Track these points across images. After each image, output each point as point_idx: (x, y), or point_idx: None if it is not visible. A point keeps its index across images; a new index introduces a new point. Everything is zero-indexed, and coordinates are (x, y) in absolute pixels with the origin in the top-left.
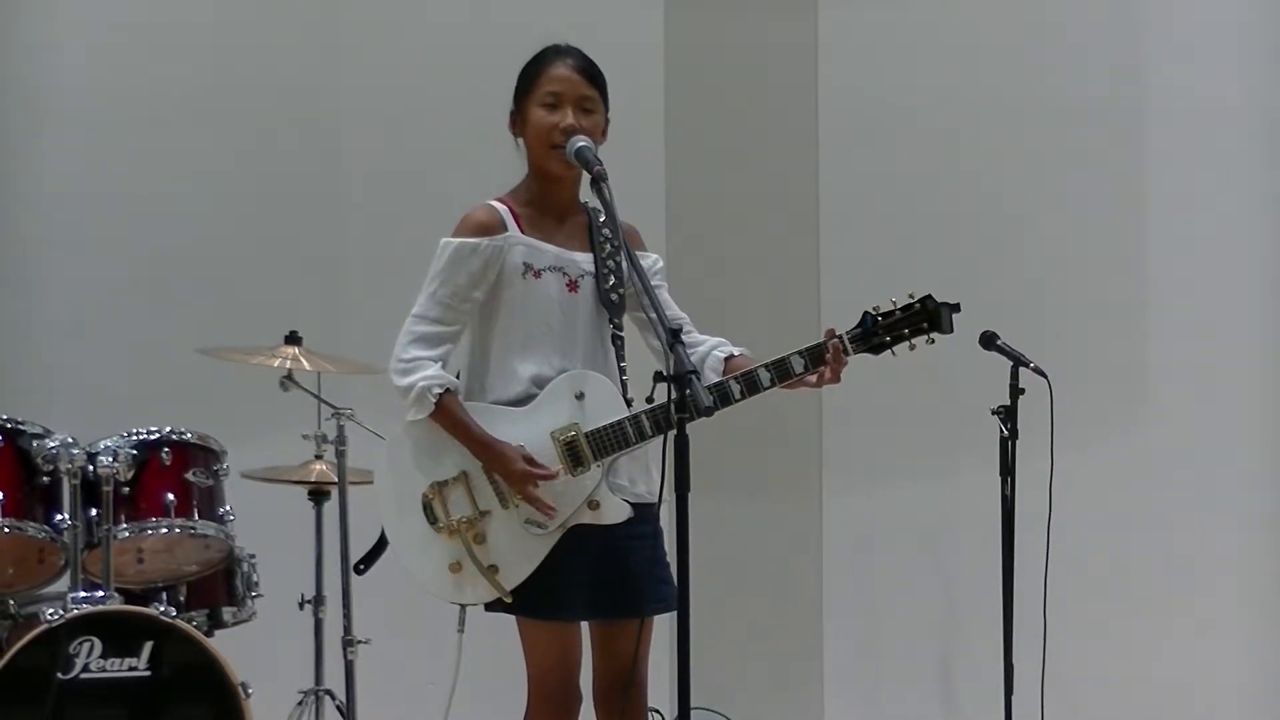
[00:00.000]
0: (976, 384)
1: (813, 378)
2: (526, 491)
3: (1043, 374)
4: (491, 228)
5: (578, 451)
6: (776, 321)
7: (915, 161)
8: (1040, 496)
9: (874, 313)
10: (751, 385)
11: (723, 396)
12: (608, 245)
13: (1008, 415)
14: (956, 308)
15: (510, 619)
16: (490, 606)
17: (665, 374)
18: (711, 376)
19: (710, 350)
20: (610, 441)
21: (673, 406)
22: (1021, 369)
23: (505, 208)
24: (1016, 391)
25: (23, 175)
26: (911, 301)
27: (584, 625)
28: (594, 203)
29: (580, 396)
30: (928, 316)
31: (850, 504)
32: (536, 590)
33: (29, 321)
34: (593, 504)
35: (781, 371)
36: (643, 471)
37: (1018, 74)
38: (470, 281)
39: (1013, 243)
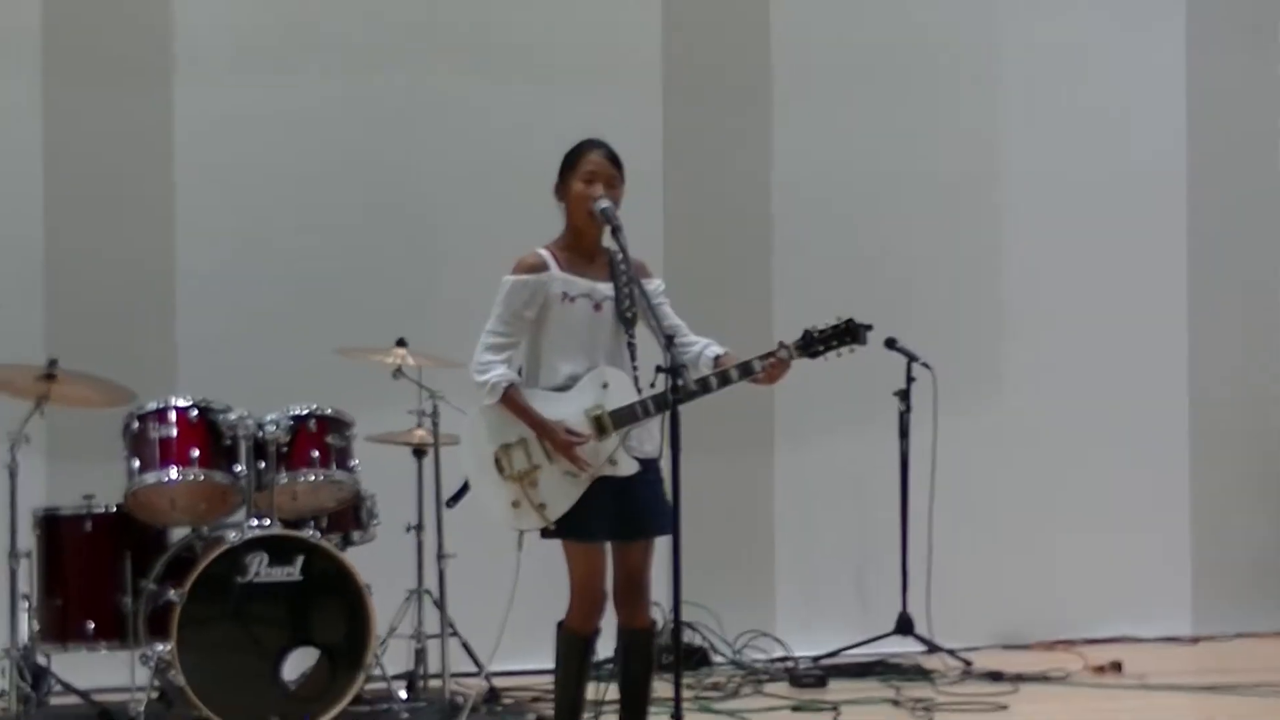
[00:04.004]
0: (883, 373)
1: (762, 376)
2: (570, 453)
3: (928, 367)
4: (538, 267)
5: (602, 423)
6: (738, 333)
7: (840, 218)
8: (927, 452)
9: (812, 330)
10: (724, 379)
11: (703, 386)
12: (624, 277)
13: (904, 396)
14: (870, 327)
15: (556, 543)
16: (544, 534)
17: (663, 367)
18: (704, 370)
19: (703, 350)
20: (625, 417)
21: (669, 392)
22: (914, 364)
23: (549, 253)
24: (910, 379)
25: (208, 231)
26: (839, 322)
27: (609, 547)
28: (614, 247)
29: (605, 385)
30: (850, 333)
31: (794, 459)
32: (574, 521)
33: (217, 331)
34: (612, 461)
35: (745, 370)
36: (649, 436)
37: (909, 151)
38: (523, 305)
39: (908, 275)
